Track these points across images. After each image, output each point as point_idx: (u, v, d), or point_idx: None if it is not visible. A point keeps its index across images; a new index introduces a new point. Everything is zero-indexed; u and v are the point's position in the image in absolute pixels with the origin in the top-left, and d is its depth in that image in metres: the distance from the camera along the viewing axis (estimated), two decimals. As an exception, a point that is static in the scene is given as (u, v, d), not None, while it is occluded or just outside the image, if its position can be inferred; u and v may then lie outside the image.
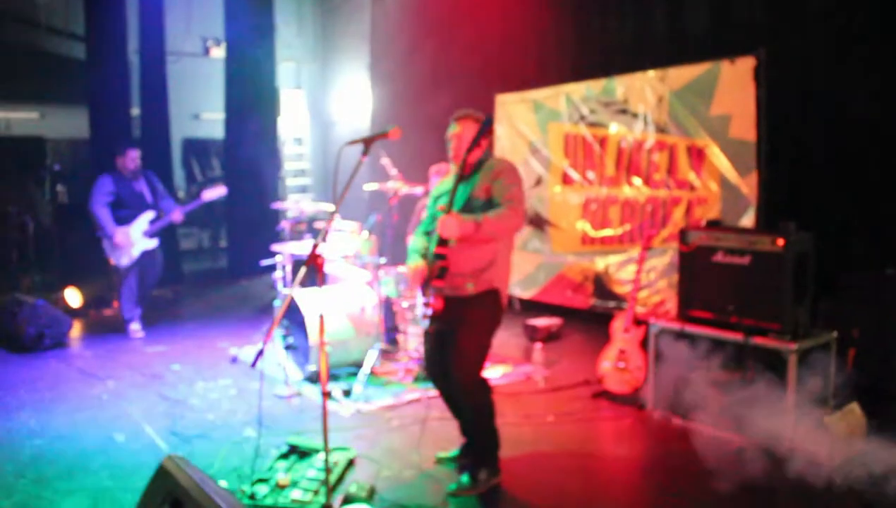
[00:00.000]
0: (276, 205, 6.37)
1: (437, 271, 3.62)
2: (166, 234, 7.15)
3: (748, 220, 5.65)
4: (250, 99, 10.25)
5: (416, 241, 3.97)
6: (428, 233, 3.95)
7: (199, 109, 11.90)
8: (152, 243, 6.94)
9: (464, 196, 3.69)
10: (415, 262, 3.82)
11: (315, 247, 3.10)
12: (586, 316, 7.09)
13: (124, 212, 6.81)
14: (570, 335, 6.89)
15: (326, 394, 3.11)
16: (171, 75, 10.12)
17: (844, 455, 3.83)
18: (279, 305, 5.67)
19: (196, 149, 11.88)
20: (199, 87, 11.63)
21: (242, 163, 9.90)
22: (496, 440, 3.85)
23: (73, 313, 7.63)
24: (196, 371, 5.84)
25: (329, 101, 12.83)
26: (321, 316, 3.15)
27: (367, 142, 3.33)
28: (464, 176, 3.72)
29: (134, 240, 6.83)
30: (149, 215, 6.89)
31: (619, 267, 6.77)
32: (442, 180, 4.11)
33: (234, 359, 6.07)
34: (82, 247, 9.27)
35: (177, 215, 6.86)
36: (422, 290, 3.77)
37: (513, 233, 3.85)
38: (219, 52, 11.68)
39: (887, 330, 4.65)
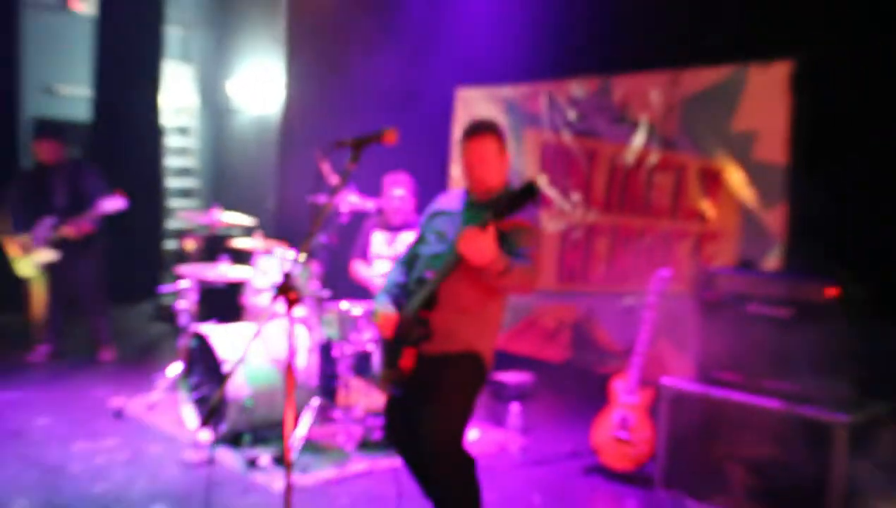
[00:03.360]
0: (182, 215, 6.30)
1: (415, 337, 3.68)
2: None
3: (772, 262, 5.87)
4: (128, 72, 10.04)
5: (394, 279, 4.02)
6: (413, 270, 3.97)
7: (55, 80, 11.56)
8: (51, 256, 7.11)
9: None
10: (385, 310, 3.85)
11: (288, 275, 3.05)
12: (561, 372, 7.17)
13: (25, 215, 7.16)
14: (543, 394, 6.98)
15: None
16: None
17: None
18: (184, 345, 5.59)
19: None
20: (56, 52, 11.31)
21: (116, 157, 9.63)
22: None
23: None
24: (71, 427, 5.67)
25: (226, 82, 12.62)
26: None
27: (357, 146, 3.34)
28: (478, 207, 3.76)
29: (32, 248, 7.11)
30: (48, 221, 7.08)
31: (606, 313, 6.89)
32: (438, 204, 4.13)
33: (119, 413, 5.94)
34: None
35: (67, 229, 7.02)
36: (385, 349, 3.84)
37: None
38: (83, 6, 11.40)
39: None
